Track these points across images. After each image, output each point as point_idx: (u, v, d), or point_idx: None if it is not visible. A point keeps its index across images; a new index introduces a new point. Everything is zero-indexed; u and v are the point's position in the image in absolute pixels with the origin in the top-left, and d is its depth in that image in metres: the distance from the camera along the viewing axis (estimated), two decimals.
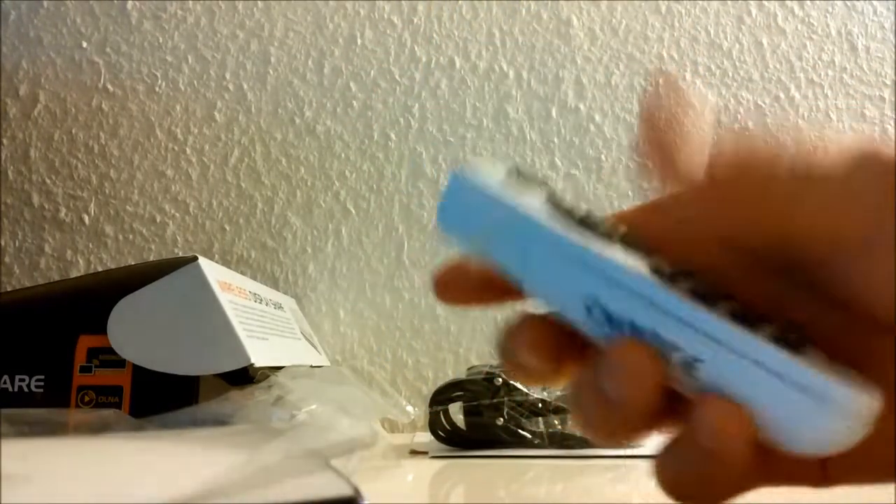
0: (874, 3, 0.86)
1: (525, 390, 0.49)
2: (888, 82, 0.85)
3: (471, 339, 0.78)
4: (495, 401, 0.48)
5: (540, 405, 0.48)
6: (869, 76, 0.85)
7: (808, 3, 0.86)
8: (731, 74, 0.84)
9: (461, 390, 0.51)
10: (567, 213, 0.21)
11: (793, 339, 0.18)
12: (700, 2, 0.85)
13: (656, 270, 0.20)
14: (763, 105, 0.84)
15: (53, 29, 0.82)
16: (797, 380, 0.18)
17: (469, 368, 0.55)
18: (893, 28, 0.86)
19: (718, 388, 0.19)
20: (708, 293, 0.19)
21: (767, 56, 0.85)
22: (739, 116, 0.84)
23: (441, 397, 0.51)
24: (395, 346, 0.78)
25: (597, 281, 0.20)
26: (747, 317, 0.19)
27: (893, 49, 0.86)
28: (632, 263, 0.20)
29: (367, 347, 0.78)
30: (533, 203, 0.21)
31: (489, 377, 0.50)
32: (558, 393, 0.49)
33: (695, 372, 0.19)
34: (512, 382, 0.49)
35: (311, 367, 0.55)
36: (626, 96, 0.83)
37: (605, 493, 0.38)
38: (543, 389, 0.49)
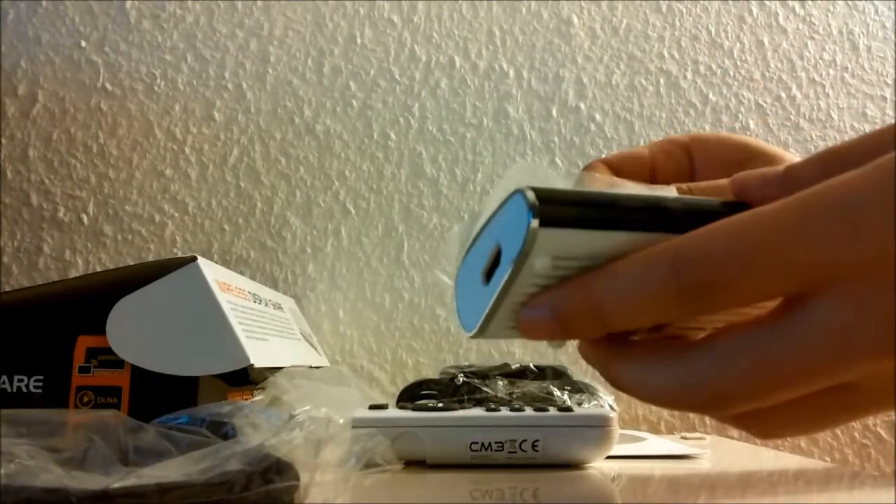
0: (875, 2, 0.86)
1: (484, 388, 0.49)
2: (889, 82, 0.85)
3: (470, 339, 0.78)
4: (455, 398, 0.49)
5: (496, 400, 0.49)
6: (870, 76, 0.85)
7: (810, 2, 0.86)
8: (732, 74, 0.84)
9: (427, 388, 0.51)
10: None
11: None
12: (701, 1, 0.85)
13: None
14: (764, 105, 0.84)
15: (52, 28, 0.82)
16: None
17: (441, 371, 0.56)
18: (895, 27, 0.86)
19: None
20: None
21: (769, 55, 0.85)
22: (740, 116, 0.84)
23: (407, 395, 0.52)
24: (395, 346, 0.78)
25: None
26: None
27: (895, 48, 0.86)
28: None
29: (367, 347, 0.78)
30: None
31: (452, 376, 0.51)
32: (517, 391, 0.49)
33: None
34: (472, 381, 0.50)
35: (311, 367, 0.55)
36: (626, 96, 0.83)
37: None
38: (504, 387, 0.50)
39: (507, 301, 0.21)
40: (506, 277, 0.20)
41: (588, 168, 0.35)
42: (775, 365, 0.19)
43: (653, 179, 0.35)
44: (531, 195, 0.19)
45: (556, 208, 0.19)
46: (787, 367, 0.19)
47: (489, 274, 0.20)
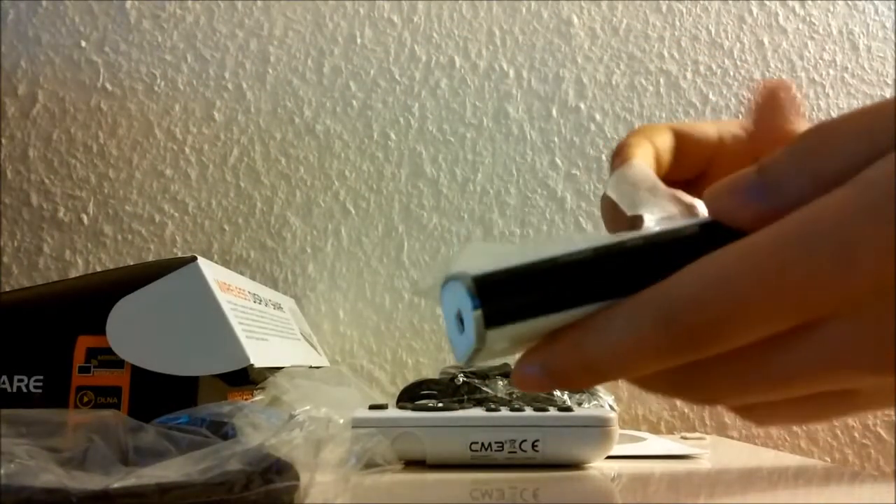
0: (875, 2, 0.86)
1: (484, 388, 0.50)
2: (889, 81, 0.85)
3: None
4: (455, 398, 0.49)
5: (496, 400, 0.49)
6: (870, 75, 0.85)
7: (810, 2, 0.86)
8: (732, 74, 0.84)
9: (427, 388, 0.51)
10: None
11: None
12: (701, 1, 0.85)
13: None
14: None
15: (52, 28, 0.81)
16: None
17: (441, 371, 0.56)
18: (894, 27, 0.86)
19: None
20: None
21: (769, 55, 0.85)
22: (741, 116, 0.84)
23: (407, 395, 0.52)
24: (395, 346, 0.78)
25: None
26: None
27: (894, 48, 0.86)
28: None
29: (367, 347, 0.78)
30: None
31: (452, 376, 0.51)
32: (518, 391, 0.49)
33: None
34: (472, 381, 0.50)
35: (311, 367, 0.55)
36: (626, 95, 0.83)
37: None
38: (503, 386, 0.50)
39: (486, 351, 0.20)
40: (471, 349, 0.19)
41: (650, 130, 0.31)
42: (772, 375, 0.19)
43: (716, 157, 0.33)
44: (477, 308, 0.19)
45: (504, 310, 0.19)
46: (785, 379, 0.19)
47: (461, 322, 0.20)
